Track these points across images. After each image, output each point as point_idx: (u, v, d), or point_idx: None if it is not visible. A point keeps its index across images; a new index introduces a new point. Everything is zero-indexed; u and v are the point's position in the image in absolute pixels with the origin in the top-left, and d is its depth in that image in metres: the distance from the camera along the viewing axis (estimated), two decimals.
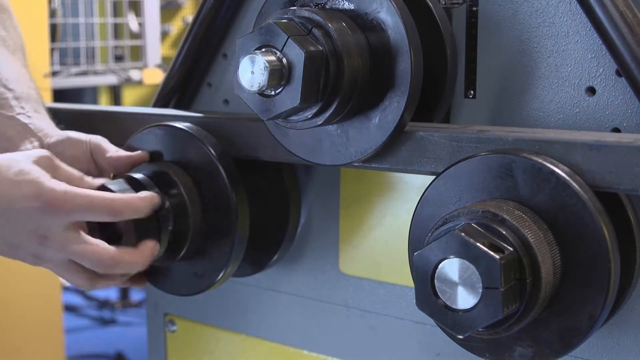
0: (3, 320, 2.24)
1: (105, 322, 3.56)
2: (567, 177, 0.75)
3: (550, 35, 0.89)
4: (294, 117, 0.84)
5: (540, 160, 0.76)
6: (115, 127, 1.09)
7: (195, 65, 1.14)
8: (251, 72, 0.79)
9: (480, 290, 0.71)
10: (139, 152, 1.00)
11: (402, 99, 0.82)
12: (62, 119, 1.11)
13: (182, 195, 0.97)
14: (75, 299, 3.75)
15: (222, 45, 1.13)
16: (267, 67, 0.78)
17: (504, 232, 0.73)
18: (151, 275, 1.03)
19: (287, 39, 0.78)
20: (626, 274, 0.80)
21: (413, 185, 1.00)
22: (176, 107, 1.16)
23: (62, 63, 3.08)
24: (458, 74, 0.95)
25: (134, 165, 1.00)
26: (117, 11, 3.38)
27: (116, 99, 3.63)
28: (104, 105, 3.54)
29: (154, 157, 1.01)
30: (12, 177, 0.86)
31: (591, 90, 0.87)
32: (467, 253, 0.71)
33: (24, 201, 0.85)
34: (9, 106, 1.01)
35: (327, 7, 0.85)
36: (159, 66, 3.28)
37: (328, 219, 1.08)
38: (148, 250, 0.92)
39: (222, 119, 1.01)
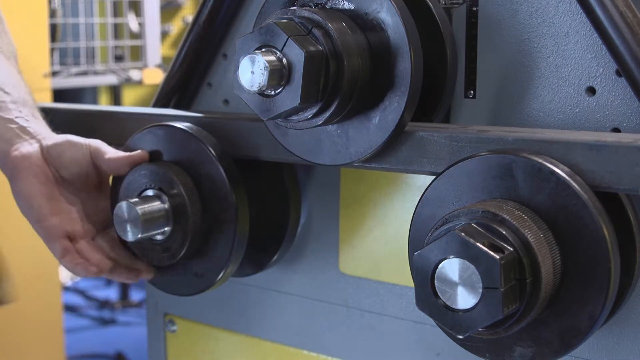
0: (3, 321, 2.24)
1: (105, 322, 3.56)
2: (567, 177, 0.75)
3: (550, 35, 0.89)
4: (294, 117, 0.84)
5: (540, 160, 0.76)
6: (115, 127, 1.09)
7: (195, 65, 1.14)
8: (251, 72, 0.79)
9: (480, 290, 0.71)
10: (139, 151, 1.01)
11: (402, 99, 0.82)
12: (62, 119, 1.11)
13: (182, 195, 0.97)
14: (75, 299, 3.75)
15: (222, 45, 1.13)
16: (267, 67, 0.78)
17: (504, 232, 0.73)
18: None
19: (287, 39, 0.78)
20: (626, 274, 0.80)
21: (413, 185, 1.00)
22: (176, 107, 1.16)
23: (62, 63, 3.08)
24: (458, 74, 0.95)
25: (134, 165, 1.00)
26: (117, 11, 3.38)
27: (116, 99, 3.63)
28: (104, 105, 3.54)
29: (154, 157, 1.01)
30: None
31: (591, 90, 0.87)
32: (467, 253, 0.71)
33: None
34: (7, 109, 1.01)
35: (327, 7, 0.85)
36: (159, 66, 3.28)
37: (328, 219, 1.08)
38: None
39: (222, 119, 1.01)
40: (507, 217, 0.74)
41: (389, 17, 0.81)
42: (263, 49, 0.80)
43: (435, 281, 0.73)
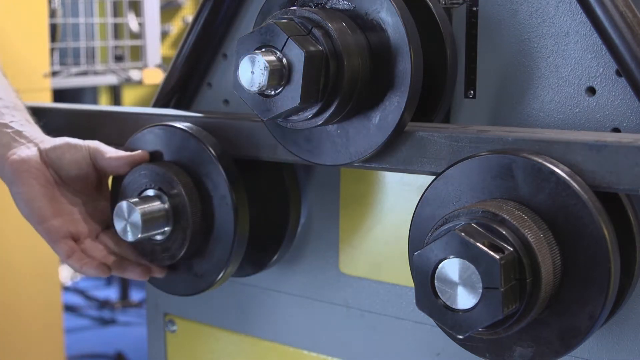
0: (3, 321, 2.24)
1: (105, 322, 3.56)
2: (567, 177, 0.75)
3: (550, 35, 0.89)
4: (294, 117, 0.84)
5: (540, 160, 0.76)
6: (115, 127, 1.09)
7: (195, 65, 1.14)
8: (251, 72, 0.79)
9: (480, 290, 0.71)
10: (139, 151, 1.01)
11: (402, 99, 0.82)
12: (62, 119, 1.11)
13: (182, 195, 0.97)
14: (75, 299, 3.75)
15: (222, 45, 1.13)
16: (267, 67, 0.78)
17: (504, 232, 0.73)
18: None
19: (287, 39, 0.78)
20: (626, 274, 0.80)
21: (413, 185, 1.00)
22: (176, 107, 1.17)
23: (62, 63, 3.08)
24: (458, 74, 0.95)
25: (134, 164, 1.00)
26: (117, 11, 3.38)
27: (116, 99, 3.63)
28: (104, 105, 3.54)
29: (154, 157, 1.01)
30: None
31: (591, 90, 0.87)
32: (467, 253, 0.71)
33: None
34: (1, 114, 1.01)
35: (327, 7, 0.85)
36: (159, 66, 3.28)
37: (328, 219, 1.08)
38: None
39: (222, 119, 1.01)
40: (507, 217, 0.74)
41: (389, 17, 0.81)
42: (263, 49, 0.80)
43: (435, 281, 0.73)
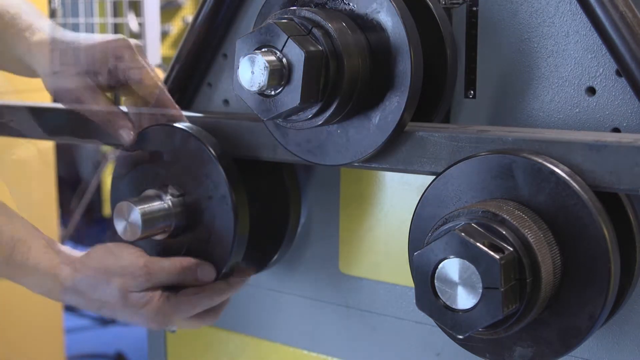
0: (3, 320, 2.24)
1: (105, 322, 3.56)
2: (567, 177, 0.75)
3: (550, 35, 0.89)
4: (294, 117, 0.84)
5: (540, 160, 0.76)
6: None
7: (195, 65, 1.14)
8: (251, 72, 0.79)
9: (480, 290, 0.71)
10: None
11: (402, 99, 0.82)
12: (62, 119, 1.11)
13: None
14: None
15: (222, 45, 1.13)
16: (267, 67, 0.78)
17: (504, 232, 0.73)
18: None
19: (287, 39, 0.78)
20: (626, 274, 0.80)
21: (413, 185, 1.00)
22: None
23: None
24: (458, 74, 0.95)
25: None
26: (117, 11, 3.38)
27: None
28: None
29: (155, 157, 1.01)
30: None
31: (591, 90, 0.87)
32: (467, 253, 0.71)
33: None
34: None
35: (327, 7, 0.85)
36: (159, 66, 3.28)
37: (328, 219, 1.08)
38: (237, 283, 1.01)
39: (222, 119, 1.00)
40: (507, 217, 0.74)
41: (389, 17, 0.81)
42: (263, 49, 0.79)
43: (435, 281, 0.73)
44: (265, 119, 0.83)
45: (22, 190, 2.24)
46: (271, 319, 1.16)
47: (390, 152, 0.86)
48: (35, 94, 2.18)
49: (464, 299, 0.72)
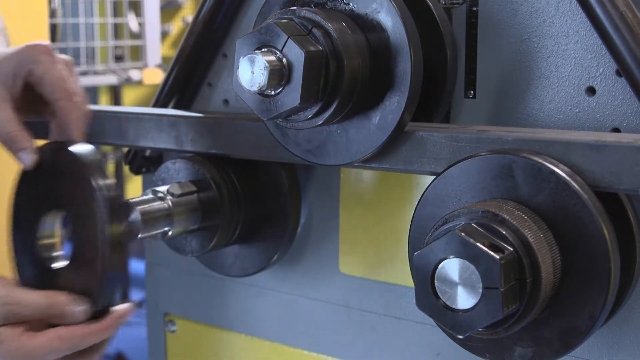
0: None
1: None
2: (567, 177, 0.75)
3: (550, 35, 0.89)
4: (294, 117, 0.84)
5: (540, 160, 0.76)
6: (116, 127, 1.09)
7: (195, 65, 1.14)
8: (251, 72, 0.79)
9: (480, 290, 0.71)
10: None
11: (402, 99, 0.82)
12: None
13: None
14: None
15: (222, 45, 1.13)
16: (267, 67, 0.78)
17: (504, 232, 0.73)
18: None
19: (287, 39, 0.78)
20: (626, 274, 0.80)
21: (413, 185, 1.00)
22: (176, 107, 1.16)
23: None
24: (458, 74, 0.95)
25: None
26: (117, 11, 3.38)
27: (116, 99, 3.63)
28: (104, 105, 3.54)
29: (45, 176, 0.93)
30: None
31: (591, 90, 0.87)
32: (467, 253, 0.71)
33: None
34: None
35: (327, 7, 0.85)
36: (159, 66, 3.28)
37: (328, 219, 1.08)
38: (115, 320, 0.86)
39: (222, 119, 1.01)
40: (507, 217, 0.74)
41: (389, 17, 0.81)
42: (263, 49, 0.79)
43: (435, 281, 0.73)
44: (265, 119, 0.83)
45: None
46: (271, 319, 1.16)
47: (390, 152, 0.86)
48: None
49: (464, 299, 0.72)
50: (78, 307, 0.84)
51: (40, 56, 0.90)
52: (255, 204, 1.04)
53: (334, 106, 0.82)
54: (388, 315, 1.05)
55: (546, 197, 0.76)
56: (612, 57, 0.83)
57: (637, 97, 0.82)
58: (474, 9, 0.93)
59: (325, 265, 1.09)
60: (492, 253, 0.70)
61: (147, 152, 1.18)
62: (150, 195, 0.98)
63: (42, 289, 0.86)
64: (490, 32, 0.92)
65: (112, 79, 3.20)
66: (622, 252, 0.76)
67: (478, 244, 0.71)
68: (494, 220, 0.74)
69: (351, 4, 0.83)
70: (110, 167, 3.79)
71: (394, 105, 0.83)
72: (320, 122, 0.84)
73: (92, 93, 3.62)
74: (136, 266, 4.13)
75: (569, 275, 0.76)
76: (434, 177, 0.83)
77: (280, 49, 0.79)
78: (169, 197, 0.98)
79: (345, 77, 0.81)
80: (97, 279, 0.85)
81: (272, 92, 0.80)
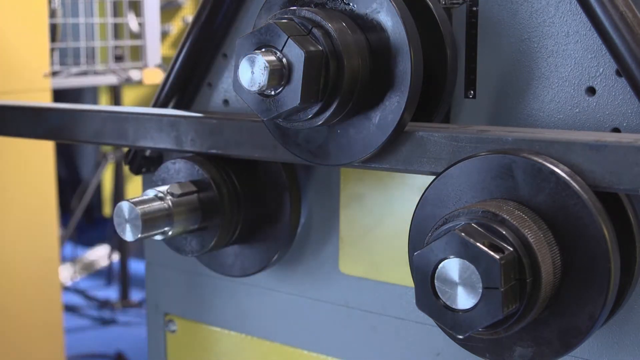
0: (3, 321, 2.24)
1: (105, 322, 3.56)
2: (567, 177, 0.75)
3: (550, 35, 0.89)
4: (294, 117, 0.84)
5: (540, 160, 0.76)
6: (115, 127, 1.09)
7: (195, 65, 1.14)
8: (251, 72, 0.79)
9: (480, 290, 0.71)
10: None
11: (402, 99, 0.82)
12: (62, 119, 1.11)
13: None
14: (75, 299, 3.75)
15: (222, 45, 1.13)
16: (267, 67, 0.78)
17: (504, 232, 0.73)
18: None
19: (287, 39, 0.78)
20: (626, 274, 0.80)
21: (413, 185, 1.00)
22: (176, 107, 1.17)
23: (62, 63, 3.08)
24: (458, 74, 0.95)
25: None
26: (117, 11, 3.38)
27: (116, 99, 3.63)
28: (104, 105, 3.54)
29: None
30: None
31: (591, 90, 0.87)
32: (467, 253, 0.71)
33: None
34: None
35: (327, 7, 0.85)
36: (159, 66, 3.28)
37: (328, 219, 1.08)
38: None
39: (222, 119, 1.01)
40: (507, 217, 0.74)
41: (389, 17, 0.81)
42: (263, 49, 0.80)
43: (435, 281, 0.73)
44: (265, 119, 0.83)
45: (22, 190, 2.24)
46: (271, 319, 1.16)
47: (390, 152, 0.86)
48: (35, 94, 2.18)
49: (464, 299, 0.72)
50: None
51: None
52: (255, 204, 1.04)
53: (334, 106, 0.82)
54: (388, 315, 1.05)
55: (546, 197, 0.76)
56: (612, 57, 0.83)
57: (637, 97, 0.82)
58: (474, 9, 0.93)
59: (325, 265, 1.10)
60: (492, 253, 0.70)
61: (147, 152, 1.19)
62: (150, 195, 0.98)
63: None
64: (490, 32, 0.92)
65: (112, 79, 3.20)
66: (622, 252, 0.76)
67: (478, 244, 0.71)
68: (494, 220, 0.74)
69: (351, 4, 0.83)
70: (110, 167, 3.79)
71: (394, 105, 0.83)
72: (320, 122, 0.84)
73: (92, 93, 3.62)
74: (136, 266, 4.15)
75: (569, 275, 0.76)
76: (434, 177, 0.83)
77: (280, 49, 0.79)
78: (169, 197, 0.98)
79: (345, 77, 0.81)
80: None
81: (272, 92, 0.80)
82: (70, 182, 5.03)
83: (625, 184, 0.74)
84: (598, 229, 0.74)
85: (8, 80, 2.15)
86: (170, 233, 0.99)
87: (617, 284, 0.75)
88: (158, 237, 0.99)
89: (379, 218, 1.04)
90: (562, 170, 0.75)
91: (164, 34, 3.77)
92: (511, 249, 0.72)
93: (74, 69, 3.02)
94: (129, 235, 0.96)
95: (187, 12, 3.94)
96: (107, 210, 4.85)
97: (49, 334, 2.40)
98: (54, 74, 2.82)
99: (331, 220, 1.08)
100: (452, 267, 0.72)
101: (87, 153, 5.11)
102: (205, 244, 1.03)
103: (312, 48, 0.79)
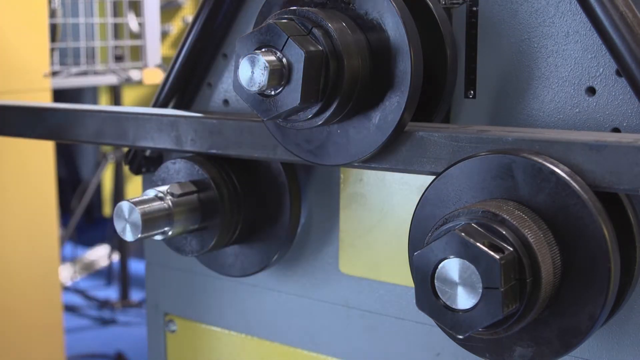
0: (3, 321, 2.24)
1: (105, 322, 3.56)
2: (567, 177, 0.75)
3: (550, 35, 0.89)
4: (294, 117, 0.84)
5: (540, 160, 0.76)
6: (115, 127, 1.09)
7: (195, 65, 1.14)
8: (251, 72, 0.79)
9: (480, 290, 0.71)
10: None
11: (402, 99, 0.82)
12: (62, 119, 1.11)
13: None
14: (75, 299, 3.75)
15: (222, 45, 1.13)
16: (267, 67, 0.78)
17: (504, 232, 0.73)
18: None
19: (287, 39, 0.78)
20: (626, 274, 0.80)
21: (413, 185, 1.00)
22: (176, 107, 1.17)
23: (62, 63, 3.08)
24: (458, 74, 0.95)
25: None
26: (117, 11, 3.38)
27: (116, 99, 3.63)
28: (104, 105, 3.54)
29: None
30: None
31: (591, 90, 0.87)
32: (467, 253, 0.71)
33: None
34: None
35: (327, 7, 0.85)
36: (159, 66, 3.28)
37: (328, 219, 1.08)
38: None
39: (222, 119, 1.01)
40: (507, 217, 0.74)
41: (389, 17, 0.81)
42: (263, 49, 0.80)
43: (435, 281, 0.73)
44: (265, 119, 0.83)
45: (22, 190, 2.24)
46: (271, 319, 1.16)
47: (390, 152, 0.86)
48: (35, 94, 2.18)
49: (464, 299, 0.72)
50: None
51: None
52: (255, 204, 1.04)
53: (334, 106, 0.82)
54: (388, 315, 1.05)
55: (546, 197, 0.76)
56: (612, 57, 0.83)
57: (637, 97, 0.82)
58: (474, 9, 0.93)
59: (325, 265, 1.10)
60: (492, 253, 0.70)
61: (147, 152, 1.19)
62: (150, 195, 0.98)
63: None
64: (490, 32, 0.92)
65: (112, 79, 3.20)
66: (622, 252, 0.76)
67: (478, 244, 0.71)
68: (494, 220, 0.74)
69: (351, 4, 0.83)
70: (110, 167, 3.79)
71: (394, 105, 0.83)
72: (320, 122, 0.84)
73: (92, 93, 3.62)
74: (136, 266, 4.15)
75: (569, 275, 0.76)
76: (434, 177, 0.83)
77: (280, 49, 0.79)
78: (169, 197, 0.98)
79: (345, 77, 0.81)
80: None
81: (272, 92, 0.80)
82: (70, 182, 5.03)
83: (625, 184, 0.74)
84: (598, 229, 0.74)
85: (8, 80, 2.15)
86: (170, 233, 0.99)
87: (617, 284, 0.75)
88: (158, 237, 0.99)
89: (379, 218, 1.04)
90: (562, 170, 0.75)
91: (164, 34, 3.77)
92: (511, 249, 0.72)
93: (74, 69, 3.02)
94: (129, 235, 0.96)
95: (187, 12, 3.94)
96: (107, 210, 4.85)
97: (49, 334, 2.40)
98: (54, 74, 2.82)
99: (331, 220, 1.08)
100: (452, 267, 0.72)
101: (87, 153, 5.12)
102: (205, 244, 1.03)
103: (312, 48, 0.79)
